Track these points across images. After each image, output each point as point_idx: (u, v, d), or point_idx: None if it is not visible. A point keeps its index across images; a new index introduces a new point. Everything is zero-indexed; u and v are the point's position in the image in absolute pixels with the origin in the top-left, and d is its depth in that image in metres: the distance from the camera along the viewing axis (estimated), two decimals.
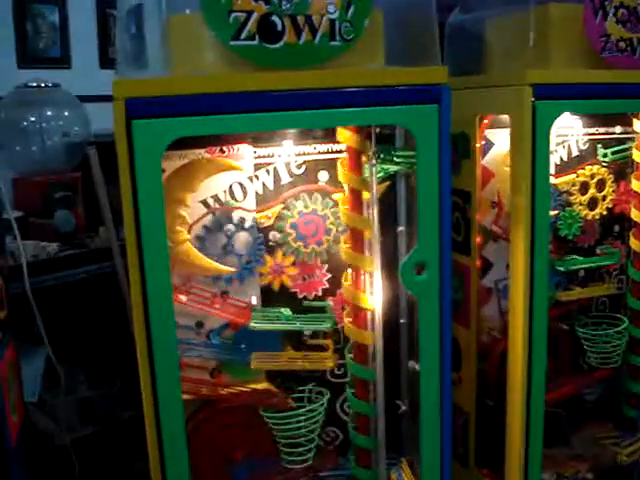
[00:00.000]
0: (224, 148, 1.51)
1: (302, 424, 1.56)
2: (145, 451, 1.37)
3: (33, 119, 2.70)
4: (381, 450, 1.59)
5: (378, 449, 1.60)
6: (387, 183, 1.60)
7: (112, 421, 2.53)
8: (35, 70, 2.97)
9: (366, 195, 1.52)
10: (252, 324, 1.54)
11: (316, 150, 1.58)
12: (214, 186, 1.54)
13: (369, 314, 1.55)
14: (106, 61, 3.36)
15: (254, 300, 1.60)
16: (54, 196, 2.58)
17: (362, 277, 1.54)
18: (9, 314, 1.70)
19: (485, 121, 1.84)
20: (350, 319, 1.57)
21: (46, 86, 2.74)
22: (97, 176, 2.48)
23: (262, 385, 1.61)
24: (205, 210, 1.54)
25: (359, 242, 1.54)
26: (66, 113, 2.78)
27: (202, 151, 1.50)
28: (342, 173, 1.52)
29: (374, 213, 1.49)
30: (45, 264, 2.38)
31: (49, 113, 2.73)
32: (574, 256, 1.96)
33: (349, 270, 1.57)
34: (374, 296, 1.53)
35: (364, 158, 1.50)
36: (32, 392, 2.37)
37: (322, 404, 1.59)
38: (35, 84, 2.72)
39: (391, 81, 1.35)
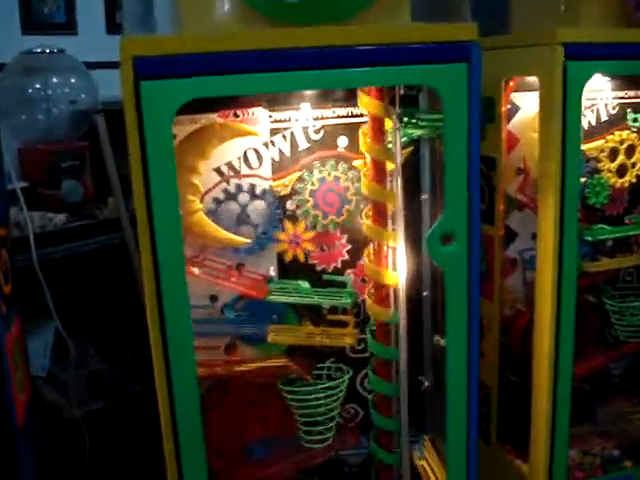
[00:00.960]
0: (238, 112, 1.44)
1: (321, 402, 1.50)
2: (157, 425, 1.32)
3: (38, 86, 2.62)
4: (404, 429, 1.54)
5: (401, 428, 1.54)
6: (410, 149, 1.53)
7: (123, 395, 2.49)
8: (40, 36, 2.89)
9: (389, 166, 1.45)
10: (269, 296, 1.48)
11: (335, 114, 1.50)
12: (228, 153, 1.47)
13: (391, 289, 1.49)
14: (113, 27, 3.26)
15: (271, 272, 1.53)
16: (61, 166, 2.51)
17: (384, 251, 1.48)
18: (14, 289, 1.65)
19: (511, 84, 1.76)
20: (372, 297, 1.51)
21: (51, 52, 2.66)
22: (105, 144, 2.42)
23: (280, 361, 1.54)
24: (219, 178, 1.47)
25: (381, 215, 1.47)
26: (72, 80, 2.69)
27: (215, 116, 1.43)
28: (364, 143, 1.45)
29: (398, 181, 1.42)
30: (53, 235, 2.32)
31: (55, 80, 2.64)
32: (602, 225, 1.88)
33: (370, 245, 1.50)
34: (397, 269, 1.46)
35: (387, 126, 1.43)
36: (42, 366, 2.33)
37: (343, 381, 1.53)
38: (40, 50, 2.64)
39: (417, 38, 1.26)
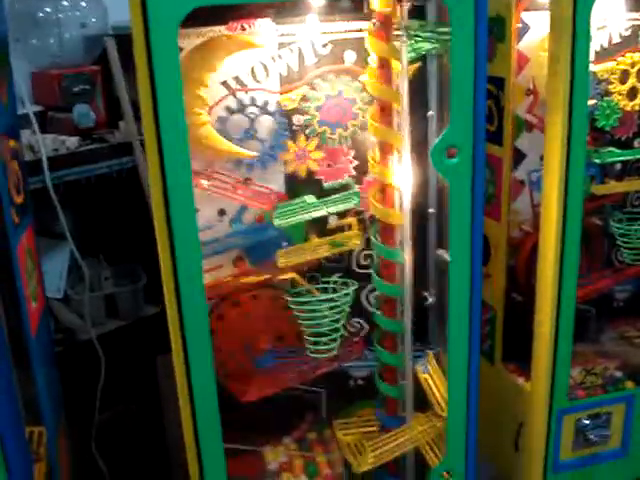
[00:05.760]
0: (245, 25, 1.43)
1: (326, 313, 1.53)
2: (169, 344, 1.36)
3: (49, 10, 2.59)
4: (407, 340, 1.57)
5: (404, 339, 1.57)
6: (417, 64, 1.52)
7: (138, 316, 2.53)
8: None
9: (395, 66, 1.44)
10: (276, 222, 1.48)
11: (343, 29, 1.49)
12: (235, 66, 1.46)
13: (397, 198, 1.50)
14: None
15: (278, 187, 1.55)
16: (73, 90, 2.50)
17: (390, 156, 1.48)
18: (26, 199, 1.66)
19: (524, 2, 1.74)
20: (377, 202, 1.51)
21: None
22: (116, 68, 2.41)
23: (287, 275, 1.56)
24: (226, 91, 1.47)
25: (387, 116, 1.46)
26: (83, 3, 2.66)
27: (222, 28, 1.42)
28: (370, 41, 1.42)
29: (404, 93, 1.41)
30: (65, 158, 2.33)
31: (65, 3, 2.62)
32: (611, 148, 1.88)
33: (376, 149, 1.50)
34: (403, 180, 1.47)
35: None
36: (57, 288, 2.37)
37: (347, 293, 1.56)
38: None
39: None
